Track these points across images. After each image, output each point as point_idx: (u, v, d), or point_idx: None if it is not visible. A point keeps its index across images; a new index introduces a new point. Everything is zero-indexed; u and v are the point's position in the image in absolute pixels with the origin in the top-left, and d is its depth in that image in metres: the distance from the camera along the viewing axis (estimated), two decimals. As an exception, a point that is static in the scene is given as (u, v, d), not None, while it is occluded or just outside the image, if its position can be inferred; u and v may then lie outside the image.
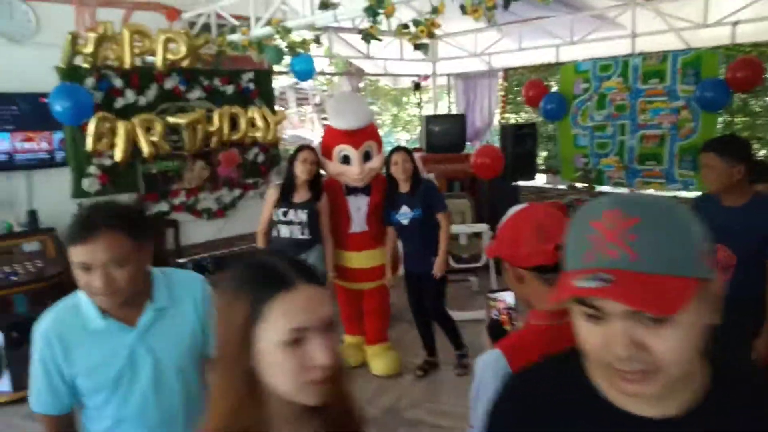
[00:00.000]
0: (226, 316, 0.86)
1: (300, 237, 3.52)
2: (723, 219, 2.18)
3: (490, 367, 1.21)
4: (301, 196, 3.52)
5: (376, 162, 3.74)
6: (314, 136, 11.00)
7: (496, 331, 1.45)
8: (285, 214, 3.49)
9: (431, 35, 3.31)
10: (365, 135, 3.69)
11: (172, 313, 1.46)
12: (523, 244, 1.27)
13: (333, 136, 3.71)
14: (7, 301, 3.85)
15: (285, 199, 3.50)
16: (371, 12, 3.26)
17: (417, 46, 3.53)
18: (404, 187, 3.63)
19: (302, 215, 3.48)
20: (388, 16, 3.26)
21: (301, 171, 3.46)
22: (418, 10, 5.81)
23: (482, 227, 5.04)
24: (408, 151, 3.63)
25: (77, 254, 1.29)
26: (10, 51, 4.27)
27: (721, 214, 2.37)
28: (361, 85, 12.18)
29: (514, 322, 1.47)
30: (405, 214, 3.63)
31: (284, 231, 3.52)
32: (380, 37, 3.55)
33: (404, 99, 14.94)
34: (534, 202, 5.48)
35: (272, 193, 3.55)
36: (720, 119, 5.21)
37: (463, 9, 2.81)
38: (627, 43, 5.70)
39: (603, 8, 5.57)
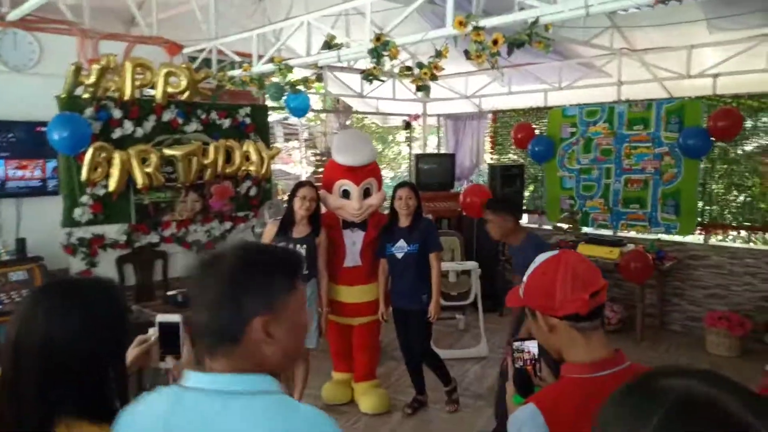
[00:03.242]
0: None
1: (298, 272, 3.52)
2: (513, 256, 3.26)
3: (527, 424, 1.16)
4: (300, 231, 3.54)
5: (375, 199, 3.80)
6: (301, 171, 11.04)
7: (524, 382, 1.39)
8: (284, 248, 3.50)
9: (434, 77, 3.43)
10: (367, 172, 3.77)
11: None
12: (557, 292, 1.22)
13: (335, 171, 3.77)
14: (-8, 330, 3.76)
15: (284, 233, 3.52)
16: (375, 54, 3.36)
17: (419, 88, 3.64)
18: (404, 222, 3.69)
19: (301, 250, 3.50)
20: (392, 58, 3.37)
21: (299, 207, 3.49)
22: (411, 53, 6.00)
23: (471, 265, 5.09)
24: (413, 188, 3.70)
25: None
26: (11, 79, 4.28)
27: (512, 252, 3.32)
28: (348, 122, 12.36)
29: (538, 373, 1.42)
30: (401, 248, 3.67)
31: (282, 265, 3.52)
32: (383, 78, 3.65)
33: (390, 137, 15.16)
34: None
35: (271, 228, 3.57)
36: (701, 165, 5.40)
37: (467, 54, 2.93)
38: (613, 90, 5.93)
39: (591, 57, 5.80)
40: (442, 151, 7.89)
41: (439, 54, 3.23)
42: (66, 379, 1.12)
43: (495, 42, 2.77)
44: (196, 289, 1.02)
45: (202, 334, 1.00)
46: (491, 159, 7.45)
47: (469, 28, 2.82)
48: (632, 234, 5.88)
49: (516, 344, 1.45)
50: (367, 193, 3.79)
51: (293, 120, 11.54)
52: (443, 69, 3.44)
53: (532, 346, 1.44)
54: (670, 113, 5.44)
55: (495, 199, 3.43)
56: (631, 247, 5.44)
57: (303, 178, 8.93)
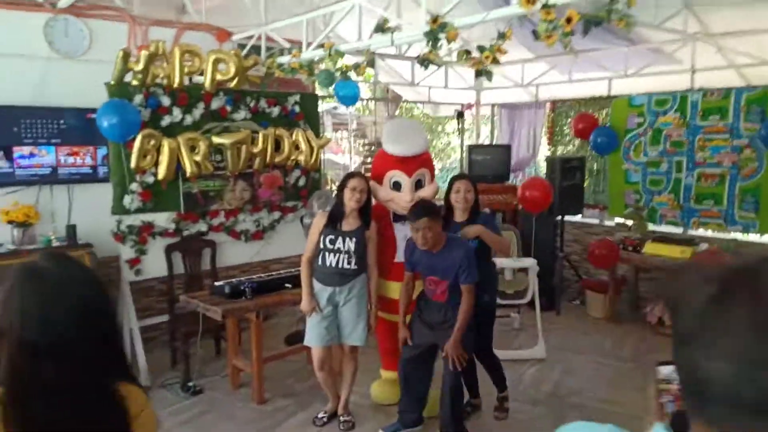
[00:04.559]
0: None
1: (346, 266, 3.36)
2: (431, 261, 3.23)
3: None
4: (350, 224, 3.36)
5: (427, 191, 3.59)
6: (349, 161, 10.92)
7: (684, 427, 1.05)
8: (332, 242, 3.34)
9: (495, 61, 3.17)
10: (419, 162, 3.55)
11: None
12: None
13: (386, 161, 3.58)
14: (42, 318, 3.76)
15: (333, 226, 3.35)
16: (432, 36, 3.13)
17: (479, 73, 3.39)
18: (460, 216, 3.46)
19: (350, 244, 3.32)
20: (450, 40, 3.13)
21: (349, 198, 3.32)
22: (464, 38, 5.72)
23: (530, 262, 4.81)
24: (472, 181, 3.46)
25: None
26: (62, 66, 4.27)
27: (430, 259, 3.24)
28: (396, 112, 12.14)
29: None
30: None
31: (330, 259, 3.36)
32: (439, 63, 3.41)
33: (439, 127, 14.85)
34: (581, 237, 5.28)
35: (320, 220, 3.40)
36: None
37: (535, 35, 2.66)
38: (683, 78, 5.49)
39: (660, 42, 5.37)
40: (495, 141, 7.58)
41: (502, 36, 2.97)
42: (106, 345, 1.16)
43: (568, 20, 2.49)
44: (708, 321, 0.61)
45: (707, 392, 0.61)
46: (548, 150, 7.09)
47: (538, 5, 2.55)
48: (706, 233, 5.44)
49: (664, 371, 1.09)
50: (418, 185, 3.58)
51: (342, 110, 11.43)
52: (506, 52, 3.17)
53: None
54: (751, 102, 4.97)
55: (428, 206, 3.23)
56: (704, 246, 5.03)
57: (352, 169, 8.80)
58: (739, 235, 5.23)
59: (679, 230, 5.56)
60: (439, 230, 3.16)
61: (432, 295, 3.32)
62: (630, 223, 5.63)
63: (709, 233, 5.45)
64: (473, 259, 3.19)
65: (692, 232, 5.48)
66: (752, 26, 4.82)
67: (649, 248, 5.19)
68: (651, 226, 5.65)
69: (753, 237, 5.20)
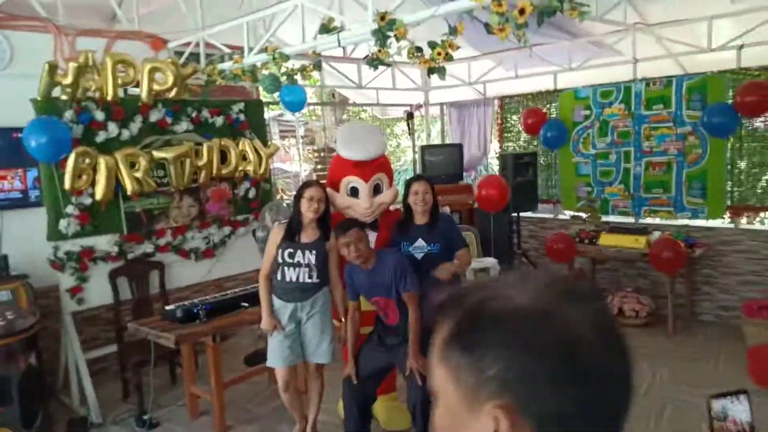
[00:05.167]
0: None
1: (308, 281, 3.19)
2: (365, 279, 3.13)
3: None
4: (308, 235, 3.20)
5: (386, 196, 3.47)
6: (299, 169, 10.69)
7: None
8: (291, 255, 3.16)
9: (449, 58, 3.08)
10: (376, 167, 3.43)
11: None
12: None
13: (342, 167, 3.44)
14: (-27, 359, 3.43)
15: (291, 239, 3.18)
16: (380, 35, 3.02)
17: (431, 71, 3.29)
18: (420, 219, 3.33)
19: (310, 257, 3.16)
20: (399, 39, 3.02)
21: (306, 209, 3.15)
22: (409, 40, 5.64)
23: (491, 262, 4.76)
24: (430, 182, 3.35)
25: None
26: (-20, 83, 3.92)
27: (362, 277, 3.14)
28: (345, 117, 11.99)
29: None
30: (420, 248, 3.31)
31: (290, 274, 3.19)
32: (388, 62, 3.30)
33: (388, 130, 14.80)
34: (537, 232, 5.26)
35: (277, 233, 3.22)
36: (728, 145, 5.07)
37: (487, 28, 2.59)
38: (627, 69, 5.58)
39: (602, 34, 5.45)
40: (447, 141, 7.55)
41: (453, 30, 2.88)
42: None
43: (521, 11, 2.42)
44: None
45: None
46: (499, 147, 7.11)
47: (489, -2, 2.47)
48: (656, 221, 5.55)
49: (717, 404, 0.96)
50: (377, 190, 3.46)
51: (288, 116, 11.19)
52: (459, 47, 3.09)
53: (741, 409, 0.94)
54: (691, 90, 5.10)
55: (352, 219, 3.26)
56: (657, 234, 5.12)
57: (302, 176, 8.60)
58: (689, 221, 5.36)
59: (631, 220, 5.65)
60: (369, 242, 3.08)
61: (386, 320, 3.20)
62: (584, 215, 5.68)
63: (658, 221, 5.57)
64: (407, 264, 3.09)
65: (643, 221, 5.58)
66: (686, 15, 4.94)
67: (605, 240, 5.25)
68: (604, 218, 5.73)
69: (701, 222, 5.34)
